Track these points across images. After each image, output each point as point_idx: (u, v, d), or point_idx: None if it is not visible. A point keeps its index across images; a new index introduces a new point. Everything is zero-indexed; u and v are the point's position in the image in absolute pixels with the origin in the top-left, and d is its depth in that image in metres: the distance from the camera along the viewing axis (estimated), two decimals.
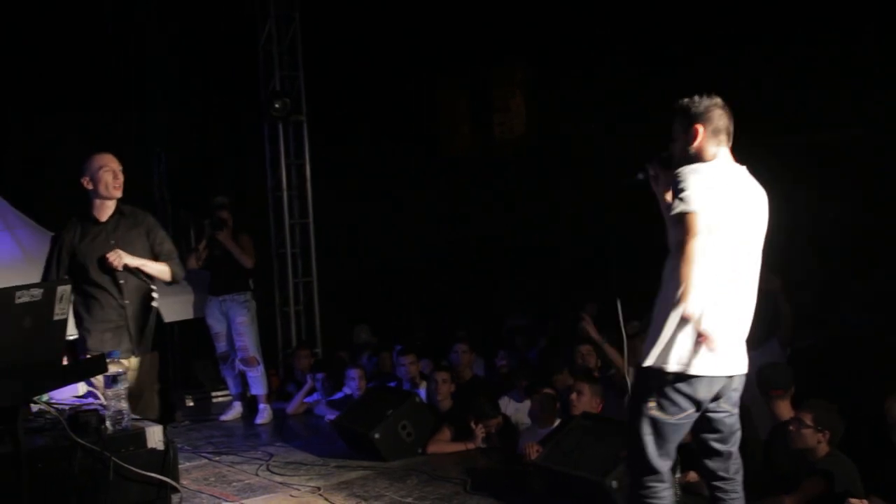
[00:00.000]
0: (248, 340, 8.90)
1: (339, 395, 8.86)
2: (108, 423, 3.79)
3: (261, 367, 9.00)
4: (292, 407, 9.20)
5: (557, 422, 6.90)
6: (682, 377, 3.94)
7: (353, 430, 7.49)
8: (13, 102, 11.02)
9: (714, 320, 3.89)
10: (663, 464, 4.06)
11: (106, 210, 5.67)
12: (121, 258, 5.51)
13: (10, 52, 10.84)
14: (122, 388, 3.84)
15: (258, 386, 8.98)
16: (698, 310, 3.82)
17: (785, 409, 5.94)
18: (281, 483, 6.73)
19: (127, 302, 5.62)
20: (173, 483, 3.86)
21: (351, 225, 12.56)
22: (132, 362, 5.49)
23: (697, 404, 4.01)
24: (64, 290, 3.67)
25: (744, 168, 4.09)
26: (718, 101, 4.06)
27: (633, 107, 9.62)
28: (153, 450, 3.82)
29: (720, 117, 4.03)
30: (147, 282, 5.75)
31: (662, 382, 3.98)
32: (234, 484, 6.81)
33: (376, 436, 7.18)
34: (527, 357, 9.30)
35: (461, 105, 13.80)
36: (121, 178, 5.64)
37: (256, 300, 9.18)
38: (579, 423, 6.51)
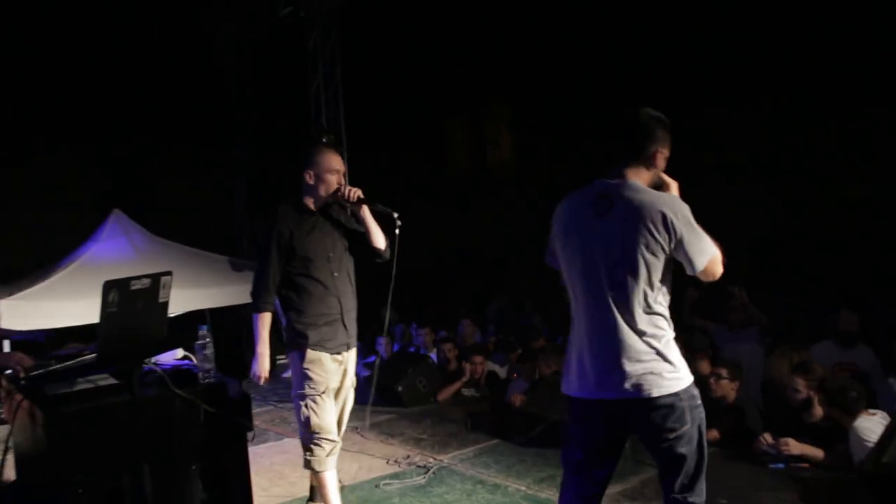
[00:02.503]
0: None
1: (371, 359, 8.91)
2: (199, 379, 3.85)
3: None
4: None
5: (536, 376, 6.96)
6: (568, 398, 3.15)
7: (383, 384, 7.55)
8: (128, 137, 11.12)
9: (574, 339, 3.13)
10: None
11: (319, 203, 4.34)
12: (357, 190, 4.27)
13: (131, 99, 10.96)
14: (209, 352, 3.89)
15: None
16: None
17: (704, 367, 6.00)
18: None
19: (340, 294, 4.30)
20: (248, 424, 3.91)
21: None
22: (345, 357, 4.33)
23: (590, 427, 3.12)
24: (166, 279, 3.71)
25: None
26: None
27: (592, 140, 9.62)
28: (233, 398, 3.88)
29: None
30: (353, 280, 4.42)
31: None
32: (293, 424, 6.80)
33: (400, 388, 7.25)
34: (515, 328, 9.37)
35: (462, 136, 13.86)
36: (343, 182, 4.32)
37: None
38: (551, 380, 6.56)
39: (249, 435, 3.97)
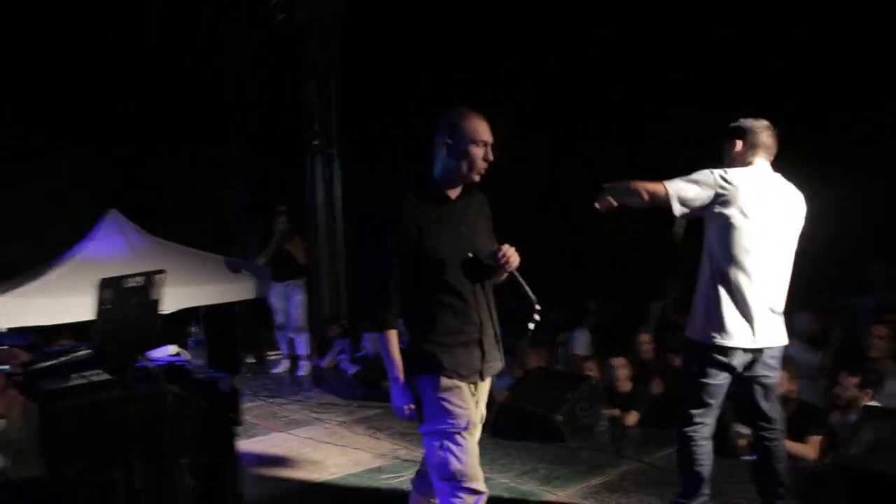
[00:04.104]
0: (301, 314, 8.96)
1: (359, 354, 8.91)
2: (191, 375, 3.83)
3: (307, 334, 9.05)
4: (325, 363, 9.24)
5: (520, 372, 6.94)
6: (718, 348, 3.65)
7: (370, 379, 7.53)
8: (129, 137, 11.08)
9: (740, 297, 3.61)
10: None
11: (458, 186, 3.24)
12: (516, 256, 3.12)
13: (131, 99, 10.93)
14: (201, 349, 3.88)
15: (303, 348, 9.01)
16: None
17: (679, 362, 6.02)
18: (316, 418, 6.77)
19: (480, 308, 3.18)
20: (237, 418, 3.89)
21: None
22: (479, 386, 3.27)
23: (731, 370, 3.70)
24: (160, 277, 3.69)
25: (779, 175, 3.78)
26: (763, 122, 3.80)
27: (580, 142, 9.59)
28: (223, 394, 3.86)
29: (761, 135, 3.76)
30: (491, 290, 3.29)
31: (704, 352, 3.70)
32: (282, 419, 6.83)
33: (386, 384, 7.20)
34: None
35: None
36: (491, 156, 3.17)
37: (307, 287, 9.24)
38: (535, 374, 6.56)
39: (239, 429, 3.95)
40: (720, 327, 3.62)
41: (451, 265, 3.09)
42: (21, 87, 10.17)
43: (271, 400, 7.54)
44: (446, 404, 3.08)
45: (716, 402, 3.77)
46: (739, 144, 3.76)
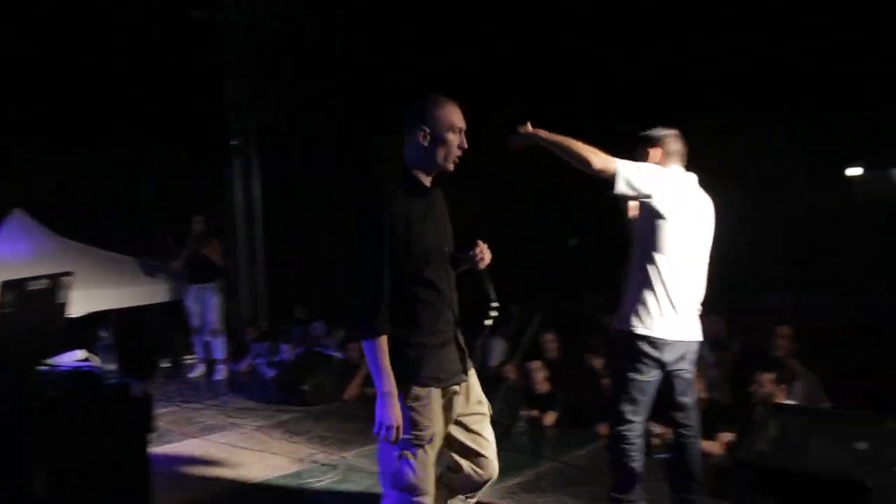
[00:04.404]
0: (216, 317, 8.81)
1: (276, 359, 8.82)
2: (100, 380, 3.73)
3: (223, 337, 8.90)
4: (242, 367, 9.10)
5: None
6: (648, 340, 3.67)
7: (289, 383, 7.44)
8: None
9: (669, 289, 3.67)
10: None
11: (434, 174, 3.09)
12: (489, 254, 3.11)
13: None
14: (110, 353, 3.78)
15: (219, 351, 8.85)
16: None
17: (598, 363, 6.13)
18: (233, 423, 6.65)
19: (454, 303, 3.10)
20: (150, 424, 3.81)
21: (290, 233, 12.39)
22: (462, 387, 3.10)
23: (662, 365, 3.73)
24: (66, 279, 3.59)
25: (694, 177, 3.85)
26: (674, 130, 3.86)
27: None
28: (136, 398, 3.77)
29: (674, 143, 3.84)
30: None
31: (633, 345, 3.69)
32: (198, 424, 6.69)
33: (305, 387, 7.16)
34: None
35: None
36: (465, 144, 3.05)
37: (223, 289, 9.10)
38: None
39: (152, 436, 3.85)
40: (651, 318, 3.67)
41: (433, 260, 2.99)
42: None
43: (186, 405, 7.38)
44: (414, 414, 2.95)
45: (646, 398, 3.77)
46: (658, 153, 3.83)
